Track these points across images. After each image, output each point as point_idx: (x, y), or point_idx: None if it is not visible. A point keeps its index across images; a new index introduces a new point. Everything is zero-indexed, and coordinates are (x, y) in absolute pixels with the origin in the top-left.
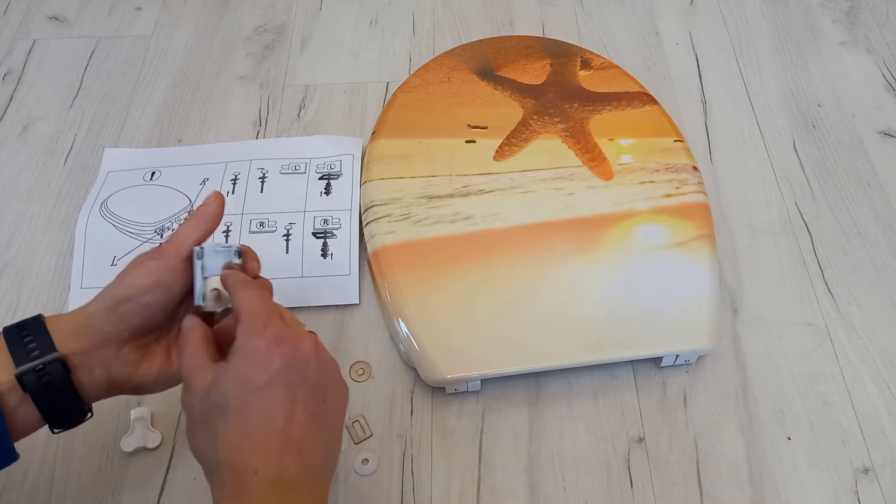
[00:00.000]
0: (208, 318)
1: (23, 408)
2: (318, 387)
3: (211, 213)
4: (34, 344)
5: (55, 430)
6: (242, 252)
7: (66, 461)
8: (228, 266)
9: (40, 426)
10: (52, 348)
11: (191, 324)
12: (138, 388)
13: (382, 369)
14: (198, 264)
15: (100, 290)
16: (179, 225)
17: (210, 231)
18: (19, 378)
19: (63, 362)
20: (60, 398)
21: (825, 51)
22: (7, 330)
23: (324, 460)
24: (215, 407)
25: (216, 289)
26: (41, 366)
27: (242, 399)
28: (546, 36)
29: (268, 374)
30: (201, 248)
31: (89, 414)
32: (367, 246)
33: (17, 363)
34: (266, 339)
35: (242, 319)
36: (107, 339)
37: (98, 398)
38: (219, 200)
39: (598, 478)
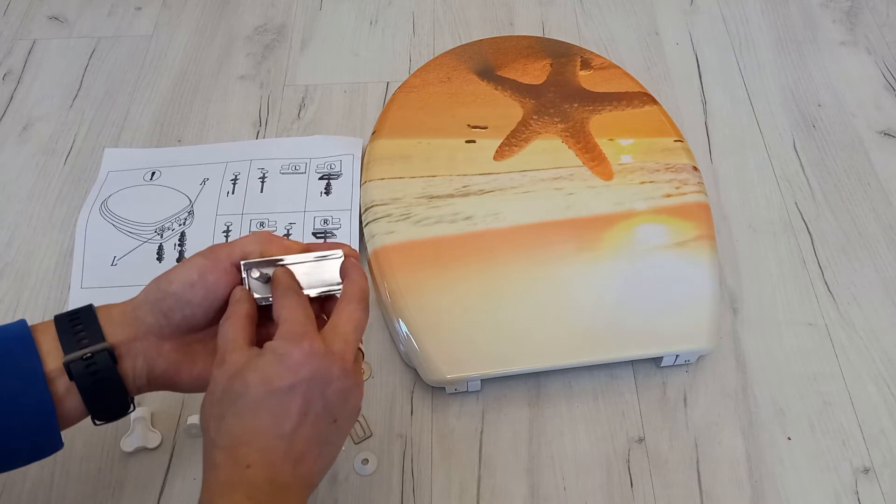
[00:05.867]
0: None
1: (70, 397)
2: (332, 407)
3: (280, 239)
4: (84, 333)
5: (97, 422)
6: (342, 270)
7: (66, 461)
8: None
9: (84, 417)
10: (101, 338)
11: (241, 296)
12: (177, 387)
13: (382, 369)
14: (244, 277)
15: (100, 289)
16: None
17: (265, 251)
18: (66, 366)
19: (111, 352)
20: (106, 388)
21: (825, 51)
22: (59, 318)
23: (316, 474)
24: (233, 392)
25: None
26: (89, 354)
27: (260, 396)
28: (546, 36)
29: (291, 382)
30: (248, 264)
31: (132, 406)
32: (367, 246)
33: (66, 351)
34: (300, 350)
35: (281, 324)
36: (149, 332)
37: (140, 391)
38: (289, 245)
39: (598, 478)
